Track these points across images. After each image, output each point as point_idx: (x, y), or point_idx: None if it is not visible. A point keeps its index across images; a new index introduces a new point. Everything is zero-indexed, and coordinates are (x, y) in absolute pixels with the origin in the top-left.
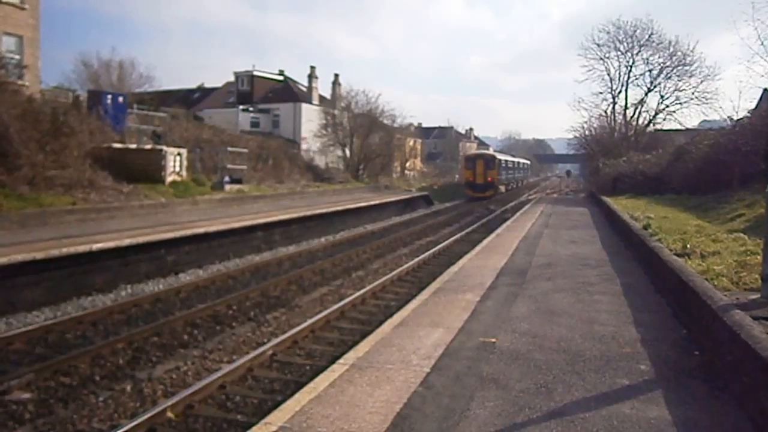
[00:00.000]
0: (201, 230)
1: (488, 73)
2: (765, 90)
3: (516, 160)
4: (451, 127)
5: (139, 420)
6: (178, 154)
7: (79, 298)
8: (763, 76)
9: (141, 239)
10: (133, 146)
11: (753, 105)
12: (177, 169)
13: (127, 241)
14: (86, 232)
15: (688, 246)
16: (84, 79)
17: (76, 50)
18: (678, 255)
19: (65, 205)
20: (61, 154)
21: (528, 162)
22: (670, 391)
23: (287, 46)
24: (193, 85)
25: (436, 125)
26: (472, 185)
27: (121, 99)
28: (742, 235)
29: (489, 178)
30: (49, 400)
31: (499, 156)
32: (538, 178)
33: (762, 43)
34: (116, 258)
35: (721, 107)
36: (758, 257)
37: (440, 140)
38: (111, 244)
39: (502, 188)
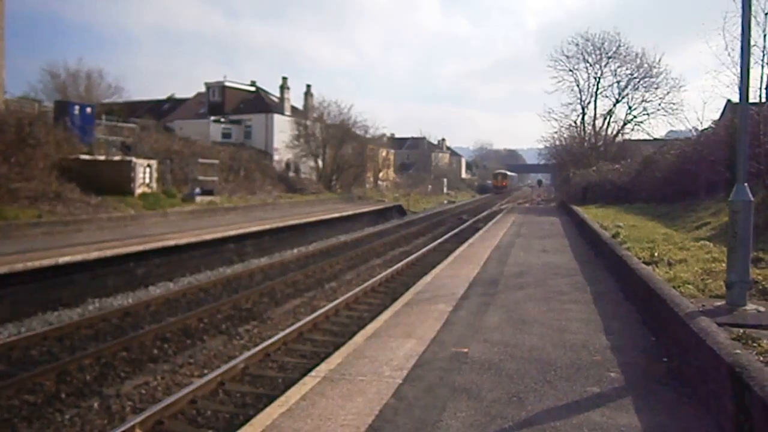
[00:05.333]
0: (171, 242)
1: (463, 82)
2: (728, 101)
3: (512, 174)
4: (424, 138)
5: None
6: (148, 165)
7: (44, 313)
8: (728, 86)
9: (109, 252)
10: (102, 158)
11: (717, 115)
12: (147, 180)
13: (95, 255)
14: (52, 246)
15: (656, 254)
16: (50, 89)
17: (42, 60)
18: (646, 263)
19: (30, 218)
20: (26, 166)
21: (515, 175)
22: (640, 398)
23: (260, 54)
24: (163, 96)
25: (409, 135)
26: (496, 187)
27: (89, 110)
28: (707, 243)
29: (503, 184)
30: (12, 420)
31: (508, 173)
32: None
33: (729, 54)
34: (84, 272)
35: (686, 118)
36: (723, 264)
37: (413, 151)
38: (78, 258)
39: (508, 189)
